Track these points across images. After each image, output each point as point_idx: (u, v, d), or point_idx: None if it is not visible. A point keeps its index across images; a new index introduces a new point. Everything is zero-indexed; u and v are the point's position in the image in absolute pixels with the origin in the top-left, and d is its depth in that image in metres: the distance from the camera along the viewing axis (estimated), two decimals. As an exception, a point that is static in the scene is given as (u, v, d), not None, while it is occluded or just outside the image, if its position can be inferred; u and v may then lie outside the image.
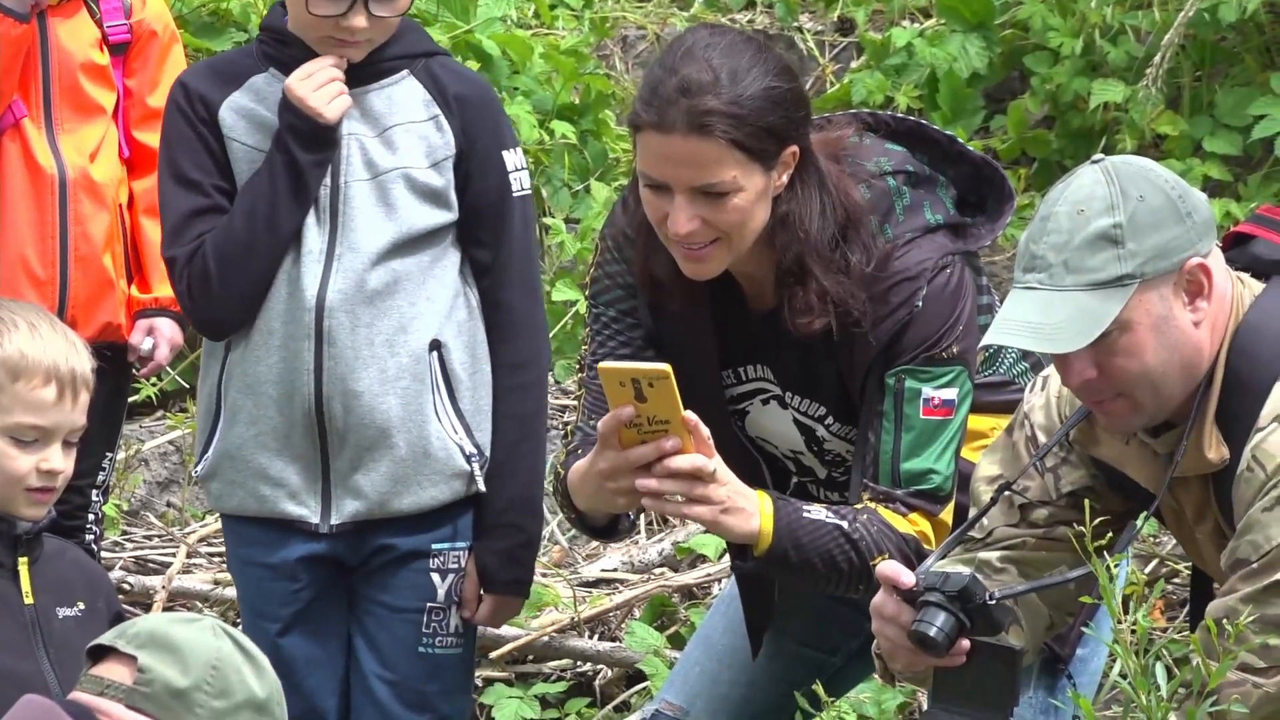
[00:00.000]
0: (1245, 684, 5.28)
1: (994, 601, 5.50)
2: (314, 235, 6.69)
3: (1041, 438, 5.75)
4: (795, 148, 5.84)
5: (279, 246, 6.72)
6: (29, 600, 5.96)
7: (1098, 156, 5.54)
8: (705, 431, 5.80)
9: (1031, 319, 5.44)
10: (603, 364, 5.85)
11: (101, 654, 5.15)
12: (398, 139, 6.62)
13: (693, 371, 5.95)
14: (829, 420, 6.11)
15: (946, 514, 5.97)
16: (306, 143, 6.60)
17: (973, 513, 5.79)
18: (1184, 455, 5.50)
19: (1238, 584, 5.35)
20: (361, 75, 6.60)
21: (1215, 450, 5.44)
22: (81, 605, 6.06)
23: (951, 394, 5.97)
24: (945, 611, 5.47)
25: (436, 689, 6.74)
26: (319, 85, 6.46)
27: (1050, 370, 5.73)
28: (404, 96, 6.65)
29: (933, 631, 5.45)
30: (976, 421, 6.05)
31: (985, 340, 5.65)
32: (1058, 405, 5.76)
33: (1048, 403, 5.79)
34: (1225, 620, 5.30)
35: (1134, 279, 5.34)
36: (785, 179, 5.86)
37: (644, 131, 5.82)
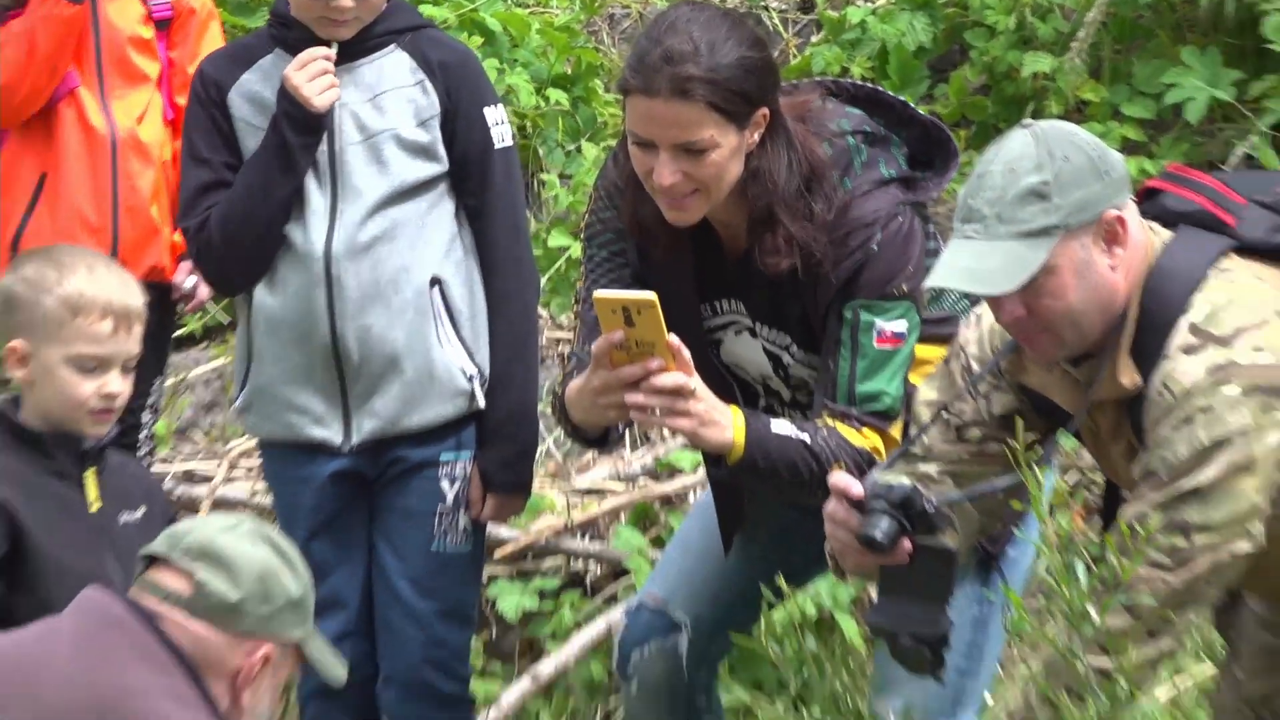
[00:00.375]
0: (1155, 579, 5.28)
1: (932, 509, 5.53)
2: (317, 195, 6.72)
3: (975, 367, 5.77)
4: (765, 110, 5.84)
5: (274, 214, 6.78)
6: (94, 507, 5.97)
7: (1027, 121, 5.56)
8: (687, 354, 5.79)
9: (968, 265, 5.44)
10: (598, 292, 5.79)
11: (153, 560, 5.18)
12: (387, 104, 6.67)
13: (674, 306, 5.84)
14: (793, 349, 6.11)
15: (895, 430, 5.96)
16: (298, 127, 6.66)
17: (914, 431, 5.86)
18: (1101, 382, 5.53)
19: (1148, 493, 5.35)
20: (353, 51, 6.63)
21: (1129, 377, 5.43)
22: (141, 510, 6.07)
23: (901, 326, 5.96)
24: (889, 517, 5.50)
25: (447, 582, 6.74)
26: (312, 76, 6.51)
27: (983, 308, 5.72)
28: (392, 67, 6.71)
29: (878, 534, 5.48)
30: (922, 350, 6.01)
31: (928, 283, 5.65)
32: (989, 339, 5.77)
33: (981, 337, 5.79)
34: (1136, 523, 5.29)
35: (1059, 229, 5.35)
36: (757, 137, 5.86)
37: (632, 95, 5.81)
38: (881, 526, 5.46)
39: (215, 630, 5.05)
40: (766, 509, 6.38)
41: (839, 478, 5.56)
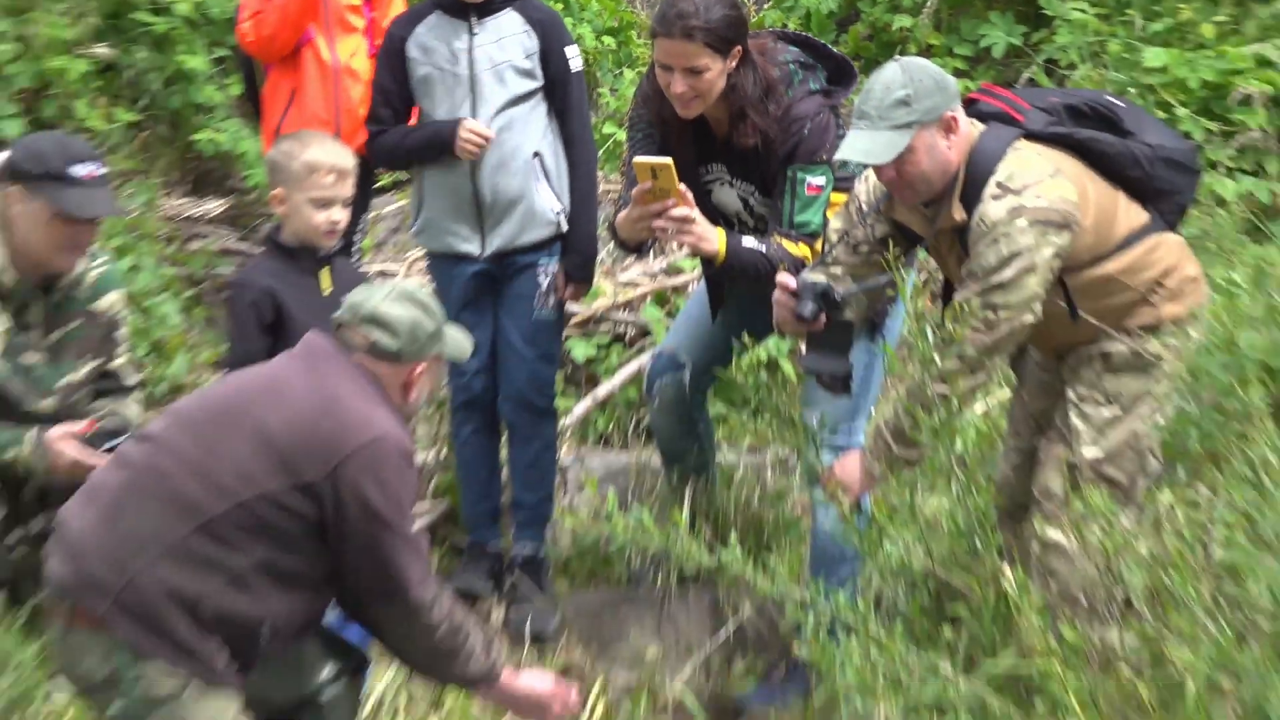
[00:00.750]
0: (975, 338, 5.73)
1: (839, 296, 6.06)
2: (466, 103, 7.02)
3: (865, 207, 6.21)
4: (739, 47, 6.35)
5: (409, 159, 7.21)
6: (327, 291, 6.58)
7: (896, 57, 6.02)
8: (690, 196, 6.33)
9: (861, 146, 5.88)
10: (636, 159, 6.32)
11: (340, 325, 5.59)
12: (506, 45, 7.01)
13: (682, 167, 6.34)
14: (755, 195, 6.67)
15: (817, 246, 6.41)
16: (442, 145, 6.96)
17: (827, 247, 6.26)
18: (942, 217, 5.95)
19: (970, 285, 5.80)
20: (484, 11, 6.97)
21: (959, 214, 5.87)
22: None
23: (821, 181, 6.47)
24: (813, 301, 6.03)
25: (542, 337, 7.16)
26: (467, 140, 6.79)
27: (870, 171, 6.12)
28: (508, 21, 7.02)
29: (806, 313, 6.03)
30: (834, 197, 6.48)
31: (837, 156, 5.92)
32: (874, 190, 6.19)
33: (868, 189, 6.21)
34: (963, 304, 5.78)
35: (916, 124, 5.79)
36: (734, 64, 6.35)
37: (658, 38, 6.33)
38: (809, 307, 6.02)
39: (386, 365, 5.46)
40: (738, 293, 6.88)
41: (783, 277, 6.07)
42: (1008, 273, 5.75)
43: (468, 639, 5.46)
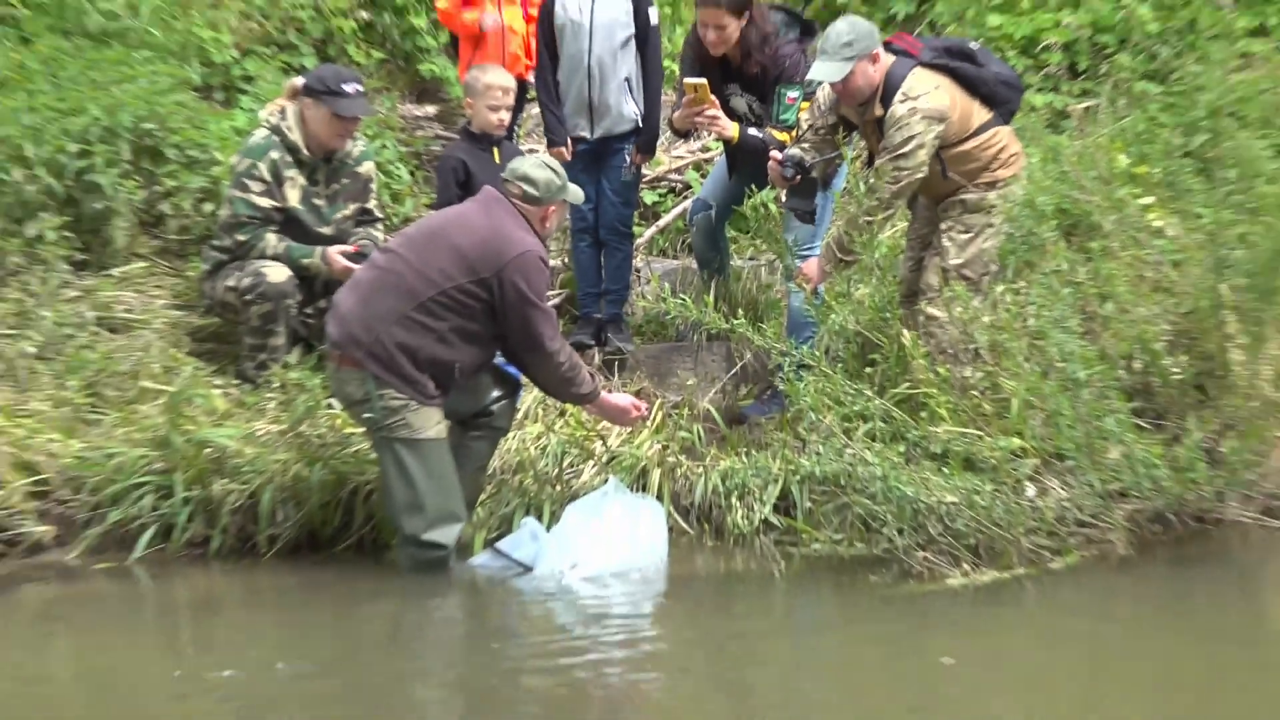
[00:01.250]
0: (886, 187, 5.92)
1: (808, 163, 6.16)
2: (584, 48, 6.83)
3: (823, 107, 6.20)
4: (748, 12, 6.39)
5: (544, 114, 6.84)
6: (497, 161, 6.56)
7: (843, 15, 6.13)
8: (717, 102, 6.38)
9: (822, 70, 5.91)
10: (685, 80, 6.42)
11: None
12: (613, 5, 6.81)
13: (713, 84, 6.40)
14: (756, 102, 6.58)
15: (794, 133, 6.30)
16: (556, 137, 6.70)
17: (800, 132, 6.27)
18: (869, 112, 5.99)
19: (884, 155, 5.91)
20: None
21: (878, 110, 5.92)
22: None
23: (796, 94, 6.42)
24: (792, 167, 6.13)
25: (626, 190, 6.98)
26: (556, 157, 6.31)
27: (826, 85, 6.09)
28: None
29: (788, 174, 6.13)
30: (804, 104, 6.38)
31: (806, 77, 6.09)
32: (829, 97, 6.16)
33: (826, 95, 6.17)
34: (879, 167, 5.91)
35: (855, 58, 5.86)
36: (744, 22, 6.38)
37: (699, 6, 6.42)
38: (789, 170, 6.14)
39: (531, 206, 5.61)
40: (745, 161, 6.66)
41: (774, 152, 6.21)
42: (907, 148, 5.86)
43: (580, 372, 5.59)
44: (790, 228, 6.59)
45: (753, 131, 6.48)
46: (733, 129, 6.49)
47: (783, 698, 4.44)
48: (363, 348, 5.37)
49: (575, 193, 5.73)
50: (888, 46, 6.01)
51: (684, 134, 6.89)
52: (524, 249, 5.40)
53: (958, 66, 6.00)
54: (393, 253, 5.55)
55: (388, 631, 5.19)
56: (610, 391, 5.93)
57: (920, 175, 5.90)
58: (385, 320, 5.37)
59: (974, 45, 6.19)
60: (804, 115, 6.32)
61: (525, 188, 5.57)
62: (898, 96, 5.86)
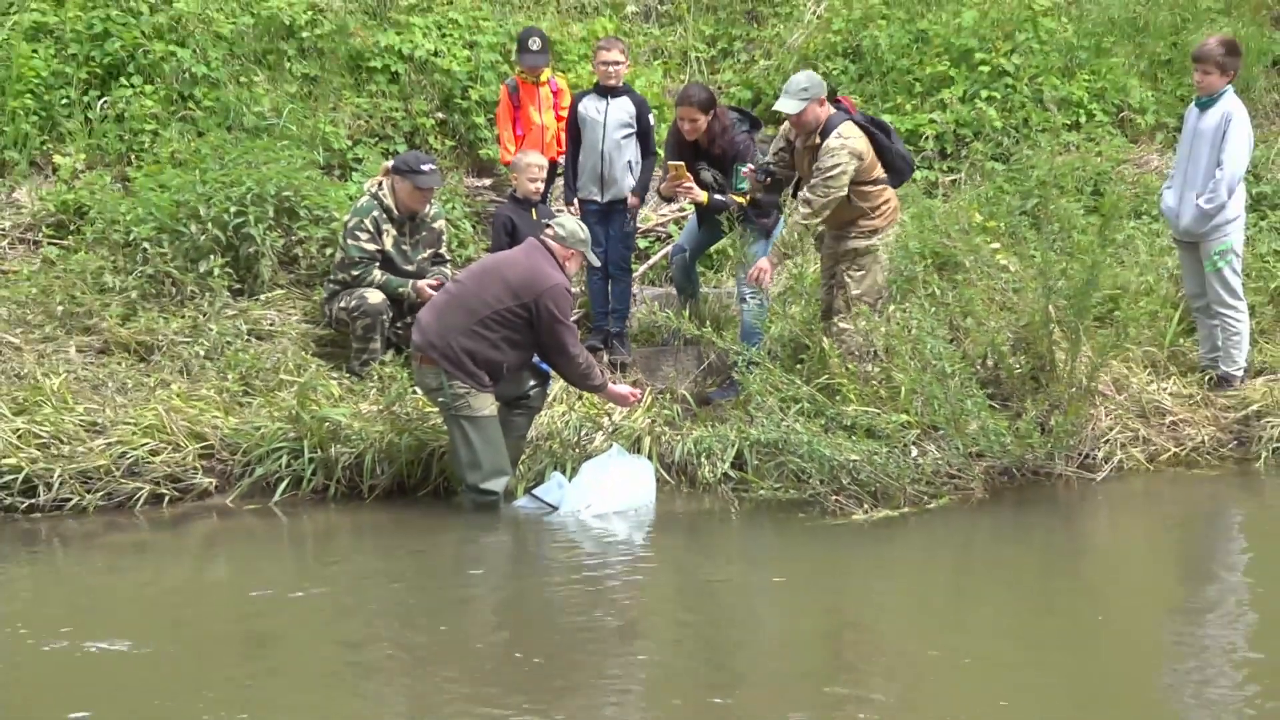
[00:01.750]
0: (816, 200, 5.74)
1: (773, 169, 6.04)
2: (599, 138, 6.45)
3: (782, 138, 6.06)
4: (713, 110, 6.05)
5: (568, 183, 6.47)
6: (534, 217, 6.17)
7: (803, 69, 6.29)
8: (691, 177, 6.16)
9: (785, 106, 5.78)
10: (669, 161, 6.20)
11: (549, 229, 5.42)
12: (621, 111, 6.43)
13: (688, 163, 6.17)
14: (719, 175, 6.26)
15: (747, 196, 6.01)
16: (570, 184, 6.36)
17: (768, 155, 6.08)
18: (809, 141, 5.84)
19: (816, 176, 5.77)
20: (614, 94, 6.34)
21: (817, 140, 5.78)
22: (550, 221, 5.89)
23: (747, 170, 6.05)
24: (762, 172, 6.01)
25: (627, 237, 6.58)
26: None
27: (787, 123, 5.95)
28: (624, 100, 6.39)
29: (760, 178, 6.01)
30: (748, 181, 6.03)
31: (775, 106, 5.80)
32: (788, 129, 5.98)
33: (785, 129, 6.01)
34: (811, 187, 5.77)
35: (809, 99, 5.76)
36: (711, 116, 6.06)
37: (679, 105, 6.08)
38: (760, 176, 6.00)
39: (557, 245, 5.44)
40: (710, 215, 6.39)
41: (748, 168, 5.94)
42: (834, 171, 5.73)
43: (593, 369, 5.49)
44: (744, 259, 6.30)
45: (718, 197, 6.27)
46: (703, 196, 6.28)
47: (732, 593, 4.75)
48: (437, 350, 5.34)
49: (591, 255, 5.62)
50: (834, 102, 5.93)
51: (668, 199, 6.82)
52: (554, 282, 5.31)
53: (875, 133, 5.88)
54: (460, 283, 5.50)
55: (455, 553, 5.25)
56: (615, 383, 5.82)
57: (841, 194, 5.75)
58: (454, 331, 5.33)
59: (889, 124, 6.12)
60: (770, 145, 6.17)
61: (557, 229, 5.47)
62: (833, 135, 5.75)
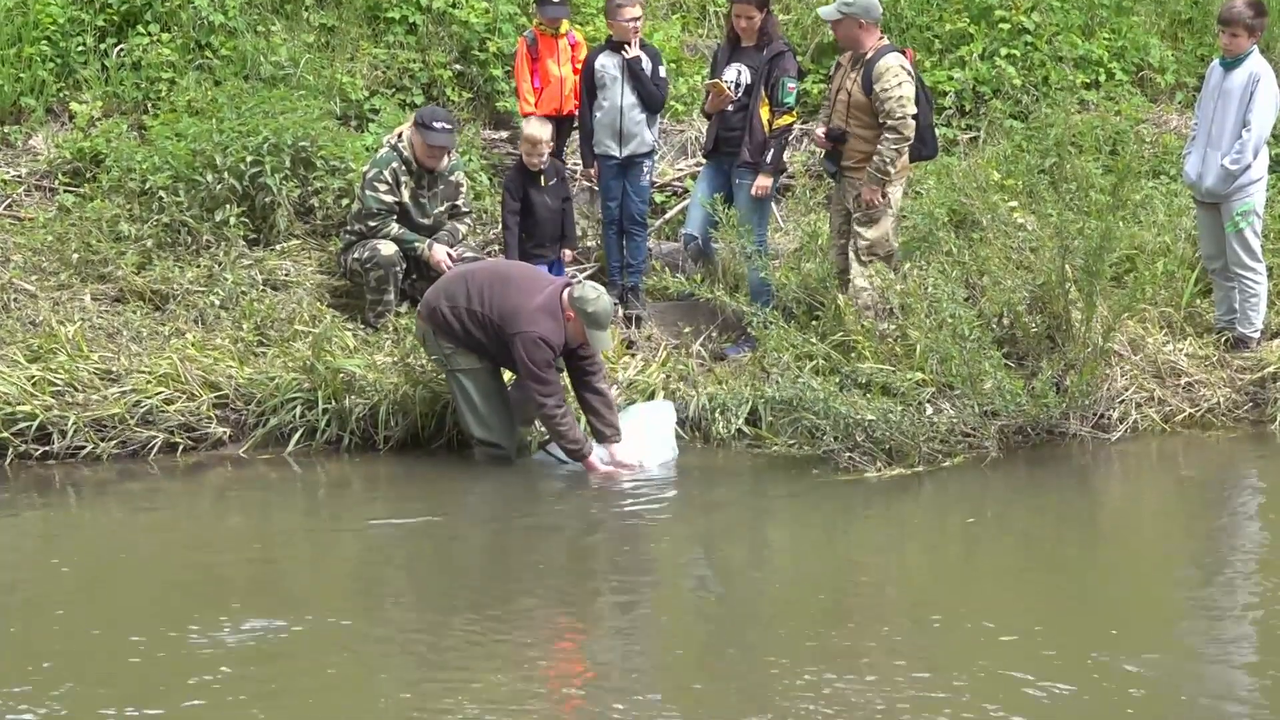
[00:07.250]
0: (903, 108, 5.68)
1: (843, 130, 5.86)
2: (617, 93, 6.36)
3: (835, 72, 6.03)
4: (767, 9, 6.07)
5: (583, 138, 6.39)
6: (544, 184, 6.22)
7: None
8: (729, 91, 6.01)
9: (823, 10, 5.85)
10: (708, 80, 6.17)
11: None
12: (640, 61, 6.32)
13: (723, 59, 6.14)
14: (746, 70, 6.13)
15: (794, 114, 6.11)
16: (587, 134, 6.27)
17: (826, 107, 6.03)
18: (852, 58, 5.85)
19: (884, 105, 5.68)
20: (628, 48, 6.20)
21: (864, 55, 5.76)
22: (554, 181, 6.19)
23: (793, 85, 6.06)
24: (836, 135, 5.89)
25: (644, 191, 6.44)
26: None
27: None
28: (640, 52, 6.29)
29: (834, 135, 5.88)
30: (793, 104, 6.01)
31: (819, 12, 5.94)
32: (835, 74, 5.96)
33: (839, 74, 5.94)
34: (887, 118, 5.66)
35: (849, 14, 5.74)
36: (764, 14, 6.05)
37: (732, 3, 6.11)
38: (834, 133, 5.89)
39: (573, 314, 5.25)
40: (725, 144, 6.15)
41: (818, 131, 5.95)
42: (895, 92, 5.68)
43: (568, 429, 5.23)
44: (742, 214, 6.13)
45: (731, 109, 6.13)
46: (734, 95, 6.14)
47: (745, 537, 4.89)
48: (429, 308, 5.42)
49: (604, 344, 5.38)
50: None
51: (709, 115, 6.36)
52: (529, 331, 5.19)
53: (919, 95, 5.88)
54: (483, 272, 5.50)
55: (468, 500, 5.27)
56: (606, 461, 5.37)
57: (913, 109, 5.70)
58: (448, 302, 5.40)
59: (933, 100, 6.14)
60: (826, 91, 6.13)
61: (583, 298, 5.30)
62: (893, 57, 5.72)
